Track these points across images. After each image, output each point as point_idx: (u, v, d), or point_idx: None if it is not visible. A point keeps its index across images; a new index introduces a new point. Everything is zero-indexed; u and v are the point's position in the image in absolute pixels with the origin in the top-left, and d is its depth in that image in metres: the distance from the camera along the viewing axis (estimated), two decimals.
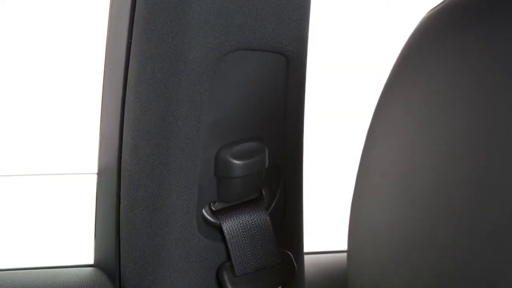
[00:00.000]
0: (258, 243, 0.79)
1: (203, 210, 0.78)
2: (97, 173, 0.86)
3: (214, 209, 0.78)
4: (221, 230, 0.78)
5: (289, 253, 0.82)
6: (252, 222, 0.79)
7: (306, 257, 0.86)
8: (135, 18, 0.74)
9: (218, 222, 0.78)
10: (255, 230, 0.79)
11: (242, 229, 0.78)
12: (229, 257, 0.78)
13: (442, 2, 0.45)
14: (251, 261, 0.79)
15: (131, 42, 0.75)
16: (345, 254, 0.96)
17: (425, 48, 0.45)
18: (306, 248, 0.86)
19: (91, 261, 0.86)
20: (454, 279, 0.39)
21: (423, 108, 0.44)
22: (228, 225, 0.78)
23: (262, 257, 0.79)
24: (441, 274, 0.40)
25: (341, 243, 0.80)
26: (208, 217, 0.78)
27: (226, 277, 0.78)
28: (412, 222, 0.42)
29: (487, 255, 0.37)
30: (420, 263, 0.41)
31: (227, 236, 0.78)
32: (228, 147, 0.76)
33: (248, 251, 0.78)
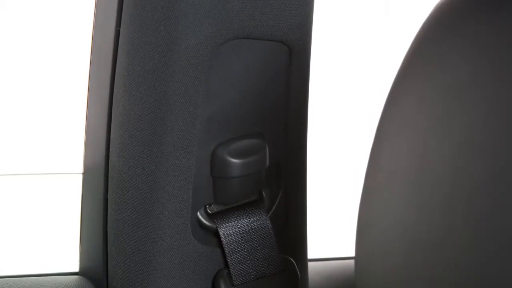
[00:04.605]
0: (258, 249, 0.79)
1: (198, 213, 0.78)
2: (82, 173, 0.86)
3: (210, 212, 0.79)
4: (217, 235, 0.78)
5: (292, 260, 0.82)
6: (251, 226, 0.79)
7: (310, 264, 0.87)
8: (123, 4, 0.75)
9: (215, 226, 0.78)
10: (254, 235, 0.79)
11: (241, 233, 0.79)
12: (226, 265, 0.78)
13: None
14: (250, 269, 0.79)
15: (119, 30, 0.76)
16: (352, 261, 0.97)
17: (438, 39, 0.45)
18: (310, 255, 0.86)
19: (76, 269, 0.87)
20: (472, 286, 0.40)
21: (437, 103, 0.44)
22: (225, 230, 0.78)
23: (262, 264, 0.80)
24: (458, 280, 0.41)
25: (348, 249, 0.81)
26: (204, 220, 0.78)
27: (223, 286, 0.78)
28: (426, 225, 0.43)
29: (508, 260, 0.38)
30: (435, 268, 0.42)
31: (224, 242, 0.78)
32: (225, 145, 0.77)
33: (247, 258, 0.79)
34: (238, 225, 0.78)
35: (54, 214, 0.99)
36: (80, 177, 0.86)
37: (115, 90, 0.77)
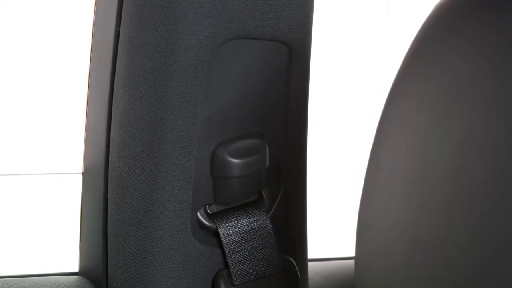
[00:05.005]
0: (258, 249, 0.79)
1: (198, 213, 0.78)
2: (82, 173, 0.86)
3: (210, 212, 0.79)
4: (217, 235, 0.78)
5: (292, 260, 0.82)
6: (251, 226, 0.79)
7: (310, 264, 0.87)
8: (123, 4, 0.75)
9: (215, 226, 0.78)
10: (254, 235, 0.79)
11: (241, 233, 0.79)
12: (226, 265, 0.78)
13: None
14: (250, 269, 0.79)
15: (119, 30, 0.76)
16: (352, 261, 0.97)
17: (438, 39, 0.45)
18: (310, 255, 0.86)
19: (76, 269, 0.87)
20: (472, 286, 0.40)
21: (437, 103, 0.44)
22: (225, 230, 0.78)
23: (262, 264, 0.80)
24: (458, 280, 0.41)
25: (348, 249, 0.81)
26: (204, 220, 0.78)
27: (223, 286, 0.78)
28: (426, 225, 0.43)
29: (508, 260, 0.38)
30: (435, 268, 0.42)
31: (224, 242, 0.78)
32: (225, 145, 0.77)
33: (247, 258, 0.79)
34: (238, 225, 0.78)
35: (54, 214, 0.99)
36: (80, 177, 0.86)
37: (115, 90, 0.77)
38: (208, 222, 0.78)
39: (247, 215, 0.79)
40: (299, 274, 0.82)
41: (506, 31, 0.41)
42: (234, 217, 0.78)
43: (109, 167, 0.78)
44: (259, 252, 0.79)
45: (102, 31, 0.80)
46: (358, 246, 0.50)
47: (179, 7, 0.71)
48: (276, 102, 0.79)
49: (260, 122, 0.79)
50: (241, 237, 0.78)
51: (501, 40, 0.41)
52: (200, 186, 0.77)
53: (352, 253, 0.53)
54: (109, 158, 0.78)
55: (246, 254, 0.79)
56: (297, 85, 0.79)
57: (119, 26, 0.76)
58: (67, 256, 0.90)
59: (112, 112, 0.78)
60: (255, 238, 0.79)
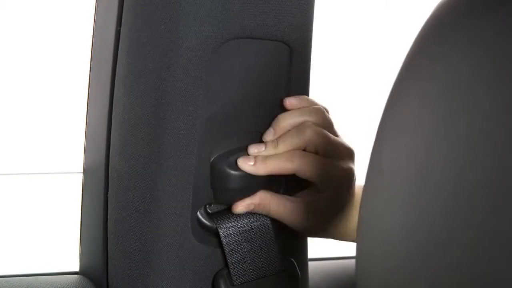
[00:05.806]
0: (258, 249, 0.79)
1: (198, 213, 0.78)
2: (83, 172, 0.86)
3: (210, 211, 0.78)
4: (217, 235, 0.78)
5: (292, 260, 0.82)
6: (251, 226, 0.79)
7: (310, 264, 0.86)
8: (124, 4, 0.75)
9: (215, 225, 0.78)
10: (254, 234, 0.79)
11: (241, 233, 0.79)
12: (226, 264, 0.78)
13: None
14: (250, 269, 0.79)
15: (120, 29, 0.76)
16: (352, 261, 0.97)
17: (440, 38, 0.45)
18: (310, 255, 0.86)
19: (76, 268, 0.87)
20: (474, 286, 0.40)
21: (439, 102, 0.44)
22: (226, 229, 0.78)
23: (262, 264, 0.79)
24: (460, 281, 0.40)
25: (349, 249, 0.81)
26: (204, 220, 0.78)
27: (223, 286, 0.78)
28: (428, 225, 0.43)
29: (511, 260, 0.38)
30: (437, 269, 0.42)
31: (224, 241, 0.78)
32: (224, 157, 0.77)
33: (247, 257, 0.79)
34: (238, 225, 0.78)
35: (55, 214, 0.99)
36: (80, 176, 0.86)
37: (115, 90, 0.77)
38: (208, 222, 0.78)
39: (247, 215, 0.79)
40: (299, 274, 0.82)
41: (507, 30, 0.41)
42: (234, 217, 0.78)
43: (109, 167, 0.78)
44: (259, 252, 0.79)
45: (102, 31, 0.80)
46: (359, 246, 0.50)
47: (180, 6, 0.71)
48: (277, 102, 0.79)
49: (261, 122, 0.79)
50: (241, 237, 0.78)
51: (502, 40, 0.41)
52: (201, 185, 0.77)
53: (352, 253, 0.53)
54: (110, 158, 0.78)
55: (246, 254, 0.78)
56: (297, 85, 0.79)
57: (120, 26, 0.75)
58: (67, 256, 0.90)
59: (113, 112, 0.77)
60: (255, 238, 0.79)
